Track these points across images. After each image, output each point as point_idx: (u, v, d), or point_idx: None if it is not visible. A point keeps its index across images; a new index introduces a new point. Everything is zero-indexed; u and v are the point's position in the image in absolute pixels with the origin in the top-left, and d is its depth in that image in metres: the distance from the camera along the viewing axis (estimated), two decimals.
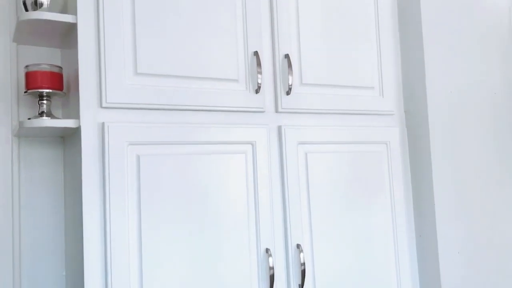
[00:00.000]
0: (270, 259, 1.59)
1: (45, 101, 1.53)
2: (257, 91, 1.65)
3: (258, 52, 1.67)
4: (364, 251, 1.81)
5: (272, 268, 1.59)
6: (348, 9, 1.88)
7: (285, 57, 1.72)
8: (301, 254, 1.65)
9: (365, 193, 1.84)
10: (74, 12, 1.46)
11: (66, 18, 1.45)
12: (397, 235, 1.89)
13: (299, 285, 1.66)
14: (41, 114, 1.52)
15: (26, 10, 1.54)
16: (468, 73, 2.03)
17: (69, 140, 1.63)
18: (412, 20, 1.97)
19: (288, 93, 1.71)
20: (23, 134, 1.63)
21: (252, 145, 1.64)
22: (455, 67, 2.00)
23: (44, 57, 1.71)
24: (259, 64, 1.65)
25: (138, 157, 1.45)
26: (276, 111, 1.71)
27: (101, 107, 1.43)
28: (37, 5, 1.53)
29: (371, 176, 1.86)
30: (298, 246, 1.67)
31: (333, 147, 1.80)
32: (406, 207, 1.95)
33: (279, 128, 1.70)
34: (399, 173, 1.93)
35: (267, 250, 1.60)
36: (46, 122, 1.42)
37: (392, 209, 1.89)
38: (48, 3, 1.54)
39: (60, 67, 1.56)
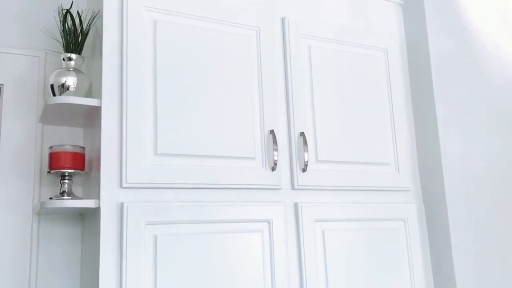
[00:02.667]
0: None
1: (66, 181, 1.57)
2: (273, 169, 1.68)
3: (274, 130, 1.71)
4: None
5: None
6: (361, 87, 1.93)
7: (301, 135, 1.76)
8: None
9: (384, 272, 1.80)
10: (99, 96, 1.53)
11: (91, 102, 1.52)
12: None
13: None
14: (62, 193, 1.56)
15: (54, 93, 1.62)
16: (483, 148, 2.03)
17: (88, 218, 1.65)
18: (426, 97, 2.01)
19: (304, 170, 1.73)
20: (43, 212, 1.66)
21: (269, 223, 1.64)
22: (470, 143, 2.00)
23: (68, 136, 1.77)
24: (275, 142, 1.68)
25: (155, 237, 1.46)
26: (293, 188, 1.72)
27: (121, 187, 1.46)
28: (64, 88, 1.61)
29: (389, 254, 1.83)
30: None
31: (350, 224, 1.79)
32: (426, 285, 1.89)
33: (296, 205, 1.71)
34: (418, 250, 1.89)
35: None
36: (67, 202, 1.46)
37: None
38: (75, 86, 1.61)
39: (83, 147, 1.61)
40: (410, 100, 2.06)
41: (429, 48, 2.01)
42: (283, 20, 1.85)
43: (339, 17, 1.99)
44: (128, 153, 1.48)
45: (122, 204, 1.44)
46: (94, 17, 1.65)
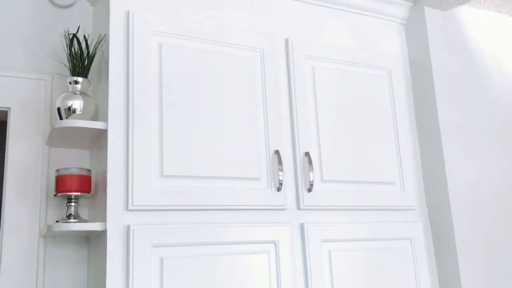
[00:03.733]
0: None
1: (73, 203, 1.58)
2: (278, 189, 1.68)
3: (279, 150, 1.71)
4: None
5: None
6: (365, 107, 1.94)
7: (306, 155, 1.76)
8: None
9: None
10: (105, 118, 1.55)
11: (97, 125, 1.53)
12: None
13: None
14: (68, 216, 1.56)
15: (60, 116, 1.63)
16: (488, 165, 2.03)
17: (94, 240, 1.65)
18: (429, 116, 2.01)
19: (309, 190, 1.73)
20: (50, 235, 1.66)
21: (275, 244, 1.63)
22: (475, 161, 2.00)
23: (74, 158, 1.78)
24: (280, 162, 1.69)
25: (161, 260, 1.46)
26: (298, 208, 1.72)
27: (127, 209, 1.46)
28: (70, 111, 1.62)
29: (396, 273, 1.81)
30: None
31: (357, 244, 1.78)
32: None
33: (302, 225, 1.70)
34: (425, 270, 1.88)
35: None
36: (74, 226, 1.46)
37: None
38: (81, 109, 1.63)
39: (89, 170, 1.62)
40: (414, 119, 2.07)
41: (432, 67, 2.02)
42: (286, 41, 1.86)
43: (342, 37, 2.00)
44: (134, 175, 1.48)
45: (128, 227, 1.44)
46: (101, 41, 1.68)
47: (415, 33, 2.12)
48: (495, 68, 2.19)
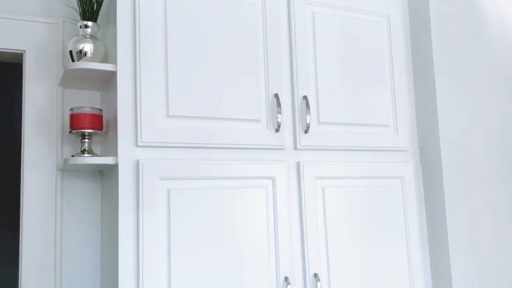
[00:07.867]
0: (289, 287, 1.70)
1: (86, 140, 1.71)
2: (277, 130, 1.79)
3: (278, 94, 1.81)
4: (380, 282, 1.90)
5: None
6: (363, 52, 2.02)
7: (304, 98, 1.86)
8: (318, 283, 1.75)
9: (381, 226, 1.93)
10: (114, 61, 1.65)
11: (107, 67, 1.63)
12: (412, 267, 1.97)
13: None
14: (83, 151, 1.70)
15: (72, 59, 1.73)
16: (480, 110, 2.11)
17: (107, 174, 1.80)
18: (425, 60, 2.08)
19: (306, 131, 1.84)
20: (66, 169, 1.81)
21: (272, 180, 1.77)
22: (467, 104, 2.09)
23: (86, 99, 1.91)
24: (279, 105, 1.79)
25: (168, 191, 1.60)
26: (295, 148, 1.84)
27: (137, 146, 1.59)
28: (82, 54, 1.73)
29: (386, 210, 1.96)
30: (315, 275, 1.77)
31: (349, 181, 1.91)
32: (420, 239, 2.03)
33: (298, 164, 1.83)
34: (414, 207, 2.02)
35: (286, 278, 1.72)
36: (88, 159, 1.60)
37: (407, 242, 1.98)
38: (92, 52, 1.73)
39: (101, 109, 1.74)
40: (411, 64, 2.14)
41: (429, 12, 2.06)
42: None
43: None
44: (143, 115, 1.59)
45: (138, 161, 1.58)
46: None
47: None
48: (494, 12, 2.22)
